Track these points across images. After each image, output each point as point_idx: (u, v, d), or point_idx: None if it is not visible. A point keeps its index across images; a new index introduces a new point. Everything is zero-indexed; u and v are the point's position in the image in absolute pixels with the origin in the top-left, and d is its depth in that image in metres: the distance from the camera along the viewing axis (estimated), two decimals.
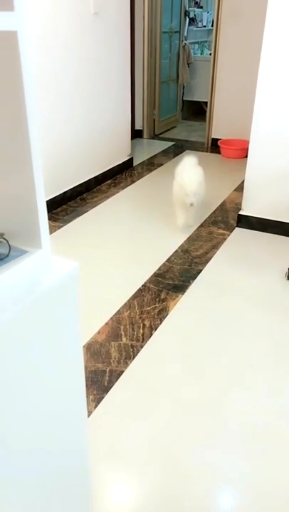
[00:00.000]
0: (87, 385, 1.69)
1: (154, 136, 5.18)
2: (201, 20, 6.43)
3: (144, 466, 1.40)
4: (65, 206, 3.29)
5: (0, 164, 0.64)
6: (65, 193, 3.30)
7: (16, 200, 0.66)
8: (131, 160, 4.12)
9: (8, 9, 0.54)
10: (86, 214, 3.17)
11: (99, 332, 1.97)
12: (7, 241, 0.65)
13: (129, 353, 1.85)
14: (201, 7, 6.40)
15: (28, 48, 0.58)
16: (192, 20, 6.22)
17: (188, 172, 2.61)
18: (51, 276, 0.66)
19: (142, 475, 1.37)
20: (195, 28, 6.29)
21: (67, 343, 0.77)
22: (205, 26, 6.48)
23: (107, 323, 2.02)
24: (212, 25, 4.79)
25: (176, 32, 5.10)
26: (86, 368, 1.77)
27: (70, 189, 3.36)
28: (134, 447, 1.46)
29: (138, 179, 3.84)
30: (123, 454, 1.44)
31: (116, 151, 3.87)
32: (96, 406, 1.60)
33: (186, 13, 5.82)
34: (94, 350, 1.86)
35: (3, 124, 0.61)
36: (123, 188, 3.65)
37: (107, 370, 1.76)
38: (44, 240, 0.67)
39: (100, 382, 1.70)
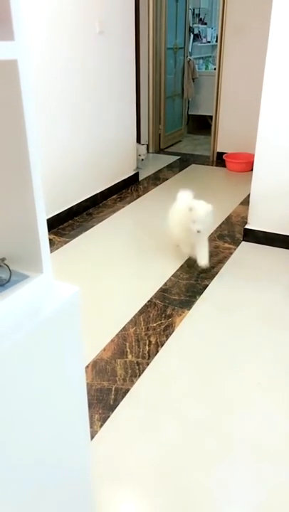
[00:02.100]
0: (92, 404, 1.67)
1: (160, 151, 5.21)
2: (206, 36, 6.52)
3: (149, 487, 1.37)
4: (71, 221, 3.30)
5: (1, 190, 0.64)
6: (71, 208, 3.32)
7: (17, 225, 0.66)
8: (136, 175, 4.14)
9: (9, 39, 0.54)
10: (92, 229, 3.18)
11: (104, 349, 1.95)
12: (8, 266, 0.65)
13: (135, 371, 1.83)
14: (205, 23, 6.49)
15: (28, 74, 0.59)
16: (196, 36, 6.31)
17: (198, 201, 2.43)
18: (52, 302, 0.65)
19: (147, 496, 1.35)
20: (199, 44, 6.37)
21: (69, 367, 0.76)
22: (209, 42, 6.56)
23: (112, 340, 2.01)
24: (216, 41, 4.85)
25: (180, 48, 5.17)
26: (91, 386, 1.75)
27: (76, 204, 3.38)
28: (140, 468, 1.43)
29: (144, 194, 3.85)
30: (128, 474, 1.41)
31: (122, 165, 3.90)
32: (101, 425, 1.58)
33: (191, 30, 5.90)
34: (99, 368, 1.84)
35: (3, 151, 0.61)
36: (129, 202, 3.67)
37: (113, 389, 1.74)
38: (45, 264, 0.67)
39: (105, 401, 1.68)
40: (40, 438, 0.74)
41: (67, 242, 2.98)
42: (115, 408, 1.65)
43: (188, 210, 2.38)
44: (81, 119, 3.22)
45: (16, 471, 0.70)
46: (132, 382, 1.77)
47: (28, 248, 0.67)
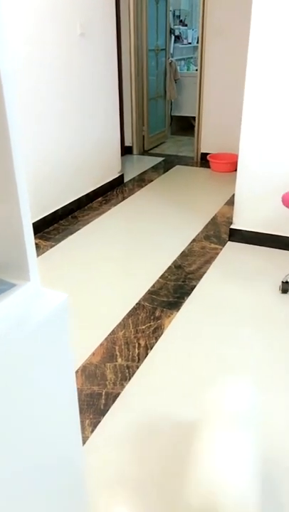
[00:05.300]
0: (82, 409, 1.65)
1: (144, 152, 5.21)
2: (186, 38, 6.55)
3: (143, 491, 1.36)
4: (56, 225, 3.28)
5: None
6: (56, 211, 3.30)
7: (2, 232, 0.65)
8: (122, 177, 4.13)
9: None
10: (78, 232, 3.16)
11: (93, 354, 1.94)
12: None
13: (125, 374, 1.82)
14: (186, 25, 6.51)
15: (12, 83, 0.57)
16: (177, 38, 6.33)
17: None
18: (40, 311, 0.64)
19: (141, 501, 1.34)
20: (180, 45, 6.39)
21: (59, 375, 0.74)
22: (190, 43, 6.59)
23: (101, 344, 2.00)
24: (197, 42, 4.88)
25: (162, 49, 5.18)
26: (81, 391, 1.73)
27: (61, 207, 3.36)
28: (134, 473, 1.42)
29: (129, 195, 3.85)
30: (121, 479, 1.40)
31: (106, 168, 3.89)
32: (92, 430, 1.57)
33: (172, 31, 5.92)
34: (89, 373, 1.83)
35: None
36: (114, 204, 3.66)
37: (103, 393, 1.73)
38: (32, 272, 0.65)
39: (96, 406, 1.67)
40: (31, 446, 0.73)
41: (53, 246, 2.96)
42: (106, 413, 1.63)
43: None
44: (64, 122, 3.20)
45: (8, 478, 0.69)
46: (123, 386, 1.76)
47: (14, 256, 0.65)
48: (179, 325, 2.12)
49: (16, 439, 0.68)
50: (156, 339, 2.03)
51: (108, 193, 3.91)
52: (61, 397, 0.76)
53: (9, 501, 0.71)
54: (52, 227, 3.23)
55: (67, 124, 3.24)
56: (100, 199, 3.78)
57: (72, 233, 3.14)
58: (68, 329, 0.70)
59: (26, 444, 0.71)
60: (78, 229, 3.21)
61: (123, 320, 2.16)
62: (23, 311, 0.64)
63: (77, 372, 1.83)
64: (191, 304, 2.28)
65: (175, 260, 2.73)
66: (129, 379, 1.79)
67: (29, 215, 0.64)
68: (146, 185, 4.10)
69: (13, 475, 0.70)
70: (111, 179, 3.96)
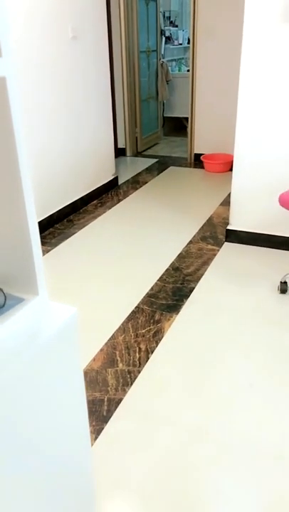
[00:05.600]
0: None
1: (137, 154, 5.20)
2: (177, 39, 6.55)
3: (148, 497, 1.35)
4: (52, 229, 3.26)
5: None
6: (51, 215, 3.28)
7: (10, 246, 0.63)
8: (116, 179, 4.12)
9: None
10: (74, 236, 3.14)
11: (94, 359, 1.92)
12: (2, 291, 0.62)
13: (127, 380, 1.81)
14: (176, 26, 6.52)
15: (16, 91, 0.56)
16: (168, 39, 6.33)
17: None
18: (50, 325, 0.63)
19: (146, 506, 1.33)
20: (171, 46, 6.40)
21: (69, 385, 0.74)
22: (181, 44, 6.60)
23: (102, 350, 1.98)
24: (188, 43, 4.87)
25: (153, 51, 5.17)
26: None
27: (57, 211, 3.34)
28: (139, 478, 1.41)
29: (124, 198, 3.83)
30: (126, 485, 1.39)
31: (101, 170, 3.87)
32: (96, 437, 1.55)
33: (162, 32, 5.92)
34: (90, 379, 1.81)
35: None
36: (110, 207, 3.64)
37: (105, 399, 1.71)
38: (41, 286, 0.64)
39: (98, 412, 1.65)
40: (44, 453, 0.72)
41: (49, 250, 2.94)
42: (109, 419, 1.62)
43: None
44: (57, 125, 3.18)
45: (23, 481, 0.68)
46: (125, 392, 1.74)
47: (22, 270, 0.64)
48: (180, 328, 2.12)
49: (30, 445, 0.67)
50: (157, 343, 2.02)
51: (103, 196, 3.89)
52: (71, 406, 0.76)
53: (20, 501, 0.70)
54: (47, 232, 3.21)
55: (60, 128, 3.22)
56: (95, 202, 3.77)
57: (68, 237, 3.12)
58: (78, 341, 0.69)
59: (39, 449, 0.70)
60: (74, 233, 3.19)
61: (123, 324, 2.15)
62: (32, 326, 0.63)
63: None
64: (190, 306, 2.28)
65: (172, 262, 2.72)
66: (131, 384, 1.78)
67: (37, 230, 0.63)
68: (140, 187, 4.09)
69: (28, 476, 0.69)
70: (105, 182, 3.94)
